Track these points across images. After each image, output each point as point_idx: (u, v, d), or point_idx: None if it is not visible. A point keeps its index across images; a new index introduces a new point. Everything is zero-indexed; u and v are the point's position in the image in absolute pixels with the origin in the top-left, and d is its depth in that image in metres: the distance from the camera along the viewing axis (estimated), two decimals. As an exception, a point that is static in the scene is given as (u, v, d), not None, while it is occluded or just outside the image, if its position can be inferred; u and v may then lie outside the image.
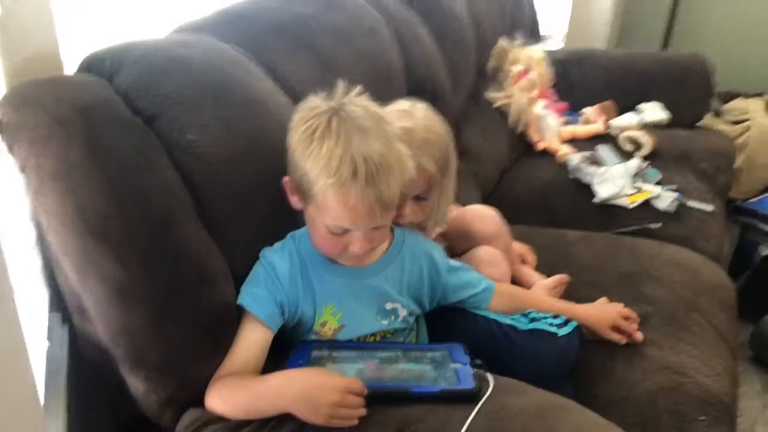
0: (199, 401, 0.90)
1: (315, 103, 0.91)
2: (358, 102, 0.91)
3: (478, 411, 0.82)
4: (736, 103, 2.81)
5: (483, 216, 1.28)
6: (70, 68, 0.99)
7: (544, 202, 1.80)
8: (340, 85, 0.92)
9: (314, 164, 0.86)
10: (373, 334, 1.02)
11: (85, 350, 0.96)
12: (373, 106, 0.92)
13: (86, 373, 1.04)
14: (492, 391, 0.86)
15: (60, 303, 1.02)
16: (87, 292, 0.85)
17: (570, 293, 1.28)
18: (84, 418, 1.14)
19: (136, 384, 0.88)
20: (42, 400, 0.91)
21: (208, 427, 0.86)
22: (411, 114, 1.07)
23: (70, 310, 0.95)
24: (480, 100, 1.97)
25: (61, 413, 0.95)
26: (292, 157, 0.90)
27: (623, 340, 1.13)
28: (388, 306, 1.02)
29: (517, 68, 2.03)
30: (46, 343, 0.97)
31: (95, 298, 0.84)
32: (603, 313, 1.15)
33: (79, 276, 0.84)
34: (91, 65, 0.95)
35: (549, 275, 1.32)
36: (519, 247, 1.40)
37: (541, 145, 2.03)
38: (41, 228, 0.88)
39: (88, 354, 0.96)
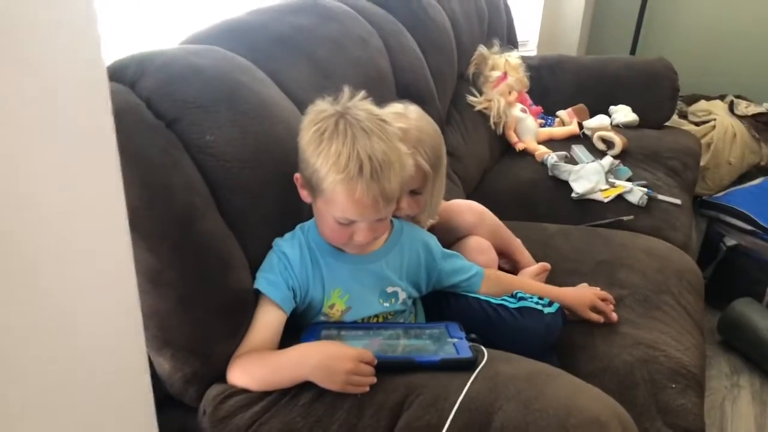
0: (220, 378, 0.98)
1: (323, 107, 1.01)
2: (361, 106, 1.01)
3: (475, 377, 0.92)
4: (701, 105, 2.95)
5: (462, 209, 1.37)
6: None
7: (525, 198, 1.91)
8: (346, 91, 1.02)
9: (324, 162, 0.95)
10: (376, 316, 1.12)
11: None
12: (375, 110, 1.02)
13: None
14: (487, 360, 0.96)
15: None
16: (119, 279, 0.93)
17: (551, 280, 1.38)
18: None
19: (162, 363, 0.97)
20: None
21: (233, 398, 0.94)
22: (405, 115, 1.16)
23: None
24: (461, 104, 2.07)
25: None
26: (303, 155, 1.00)
27: (601, 320, 1.24)
28: (389, 289, 1.12)
29: (495, 74, 2.14)
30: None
31: (127, 285, 0.92)
32: (582, 295, 1.25)
33: (112, 265, 0.92)
34: (115, 72, 1.03)
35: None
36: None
37: (520, 146, 2.14)
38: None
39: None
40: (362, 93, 1.04)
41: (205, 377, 0.98)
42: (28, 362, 0.49)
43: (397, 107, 1.18)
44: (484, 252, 1.28)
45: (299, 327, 1.08)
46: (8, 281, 0.45)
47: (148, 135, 0.94)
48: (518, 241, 1.44)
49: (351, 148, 0.95)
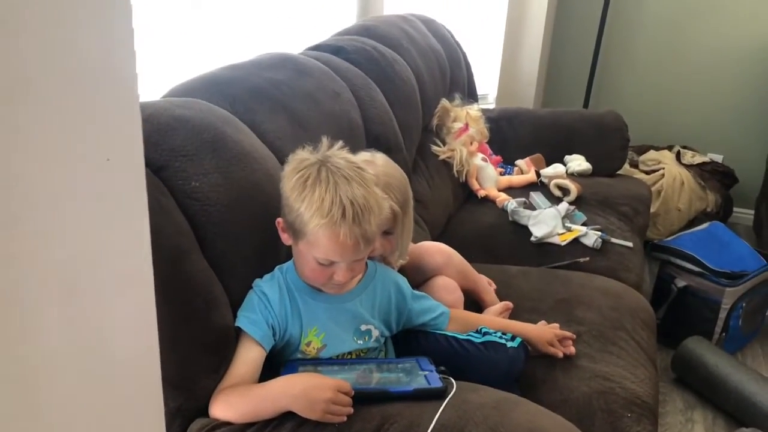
0: (203, 412, 1.03)
1: (304, 155, 1.09)
2: (339, 155, 1.09)
3: (446, 405, 0.99)
4: (650, 155, 3.11)
5: (429, 250, 1.46)
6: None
7: (487, 242, 2.00)
8: (324, 141, 1.11)
9: (308, 207, 1.03)
10: (350, 353, 1.18)
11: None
12: (352, 157, 1.11)
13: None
14: (456, 390, 1.04)
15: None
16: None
17: (513, 318, 1.46)
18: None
19: (147, 399, 1.01)
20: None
21: (216, 431, 0.99)
22: (373, 162, 1.25)
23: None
24: (426, 153, 2.17)
25: None
26: (287, 201, 1.07)
27: (559, 354, 1.32)
28: (363, 327, 1.18)
29: (457, 125, 2.26)
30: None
31: (115, 323, 0.97)
32: (542, 332, 1.34)
33: (101, 304, 0.97)
34: (104, 124, 1.10)
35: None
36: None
37: (482, 193, 2.25)
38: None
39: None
40: (340, 143, 1.13)
41: (189, 411, 1.03)
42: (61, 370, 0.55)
43: (365, 155, 1.26)
44: (451, 291, 1.36)
45: (276, 363, 1.14)
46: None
47: (138, 181, 1.01)
48: (484, 280, 1.52)
49: (334, 194, 1.02)
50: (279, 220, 1.12)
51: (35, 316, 0.51)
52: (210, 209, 1.09)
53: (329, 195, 1.02)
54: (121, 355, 0.62)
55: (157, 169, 1.07)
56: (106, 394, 0.62)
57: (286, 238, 1.12)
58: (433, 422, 0.94)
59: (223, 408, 1.01)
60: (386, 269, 1.25)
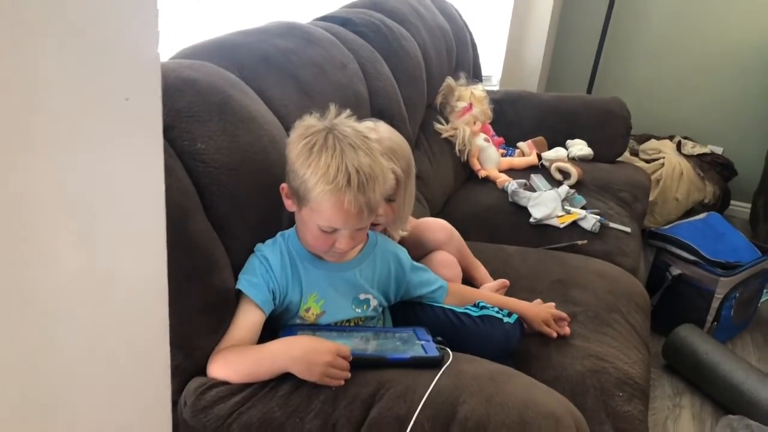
0: (201, 371, 1.04)
1: (311, 122, 1.09)
2: (347, 123, 1.10)
3: (442, 374, 1.00)
4: (651, 144, 3.12)
5: (432, 227, 1.47)
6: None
7: (486, 222, 2.01)
8: (332, 108, 1.11)
9: (313, 173, 1.03)
10: (348, 321, 1.19)
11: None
12: (358, 126, 1.11)
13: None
14: (452, 360, 1.05)
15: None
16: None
17: (509, 296, 1.48)
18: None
19: (147, 356, 1.02)
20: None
21: (213, 390, 1.00)
22: (376, 129, 1.25)
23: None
24: (429, 131, 2.17)
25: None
26: (292, 167, 1.07)
27: (553, 334, 1.33)
28: (362, 296, 1.19)
29: (461, 104, 2.25)
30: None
31: (118, 279, 0.98)
32: (538, 310, 1.35)
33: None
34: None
35: (492, 282, 1.52)
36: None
37: (482, 173, 2.25)
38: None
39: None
40: (347, 111, 1.13)
41: (187, 371, 1.03)
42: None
43: (368, 124, 1.26)
44: (451, 267, 1.37)
45: (275, 328, 1.15)
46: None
47: (144, 139, 1.01)
48: (476, 260, 1.53)
49: (340, 161, 1.02)
50: (283, 185, 1.12)
51: (51, 243, 0.51)
52: (215, 171, 1.09)
53: (335, 162, 1.02)
54: (133, 288, 0.63)
55: (163, 129, 1.06)
56: (117, 326, 0.62)
57: (289, 204, 1.12)
58: (429, 389, 0.96)
59: (221, 367, 1.02)
60: (387, 240, 1.26)
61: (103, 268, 0.58)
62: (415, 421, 0.92)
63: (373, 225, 1.26)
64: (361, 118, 1.40)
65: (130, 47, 0.53)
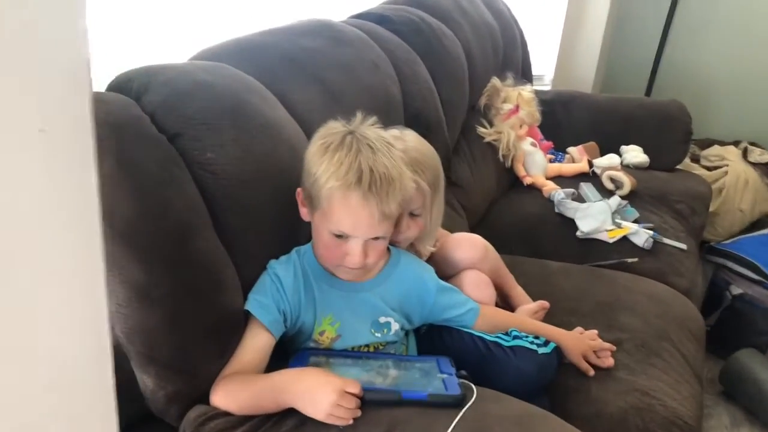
0: (204, 398, 0.97)
1: (334, 125, 1.02)
2: (371, 129, 1.02)
3: (462, 416, 0.90)
4: (714, 150, 2.93)
5: (462, 244, 1.34)
6: (98, 87, 1.07)
7: (529, 234, 1.89)
8: (359, 115, 1.03)
9: (325, 170, 0.96)
10: (367, 346, 1.10)
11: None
12: (383, 133, 1.03)
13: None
14: (476, 399, 0.94)
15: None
16: (108, 292, 0.92)
17: (549, 319, 1.36)
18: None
19: (145, 380, 0.95)
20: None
21: (213, 421, 0.92)
22: (402, 138, 1.16)
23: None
24: (470, 135, 2.06)
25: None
26: (307, 166, 1.00)
27: (590, 372, 1.21)
28: (382, 320, 1.10)
29: (507, 106, 2.13)
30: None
31: (116, 299, 0.91)
32: (578, 342, 1.23)
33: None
34: (120, 85, 1.03)
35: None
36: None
37: (528, 180, 2.13)
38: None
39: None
40: (374, 118, 1.05)
41: (188, 397, 0.97)
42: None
43: (393, 132, 1.17)
44: (482, 288, 1.26)
45: (288, 352, 1.07)
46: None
47: (148, 148, 0.94)
48: (513, 279, 1.42)
49: (353, 159, 0.95)
50: (299, 190, 1.05)
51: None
52: (225, 183, 1.01)
53: (348, 159, 0.95)
54: (57, 359, 0.54)
55: (171, 137, 1.00)
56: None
57: (304, 213, 1.05)
58: (446, 434, 0.86)
59: (222, 397, 0.95)
60: (411, 259, 1.16)
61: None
62: (427, 472, 0.82)
63: (395, 242, 1.16)
64: (393, 121, 1.32)
65: (47, 65, 0.44)
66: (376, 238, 1.01)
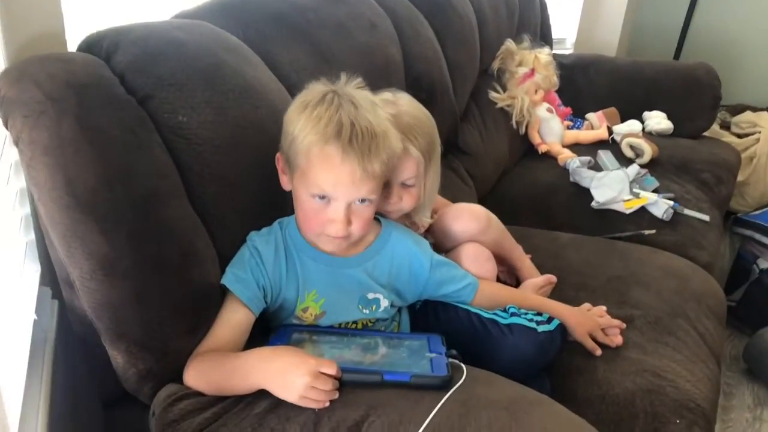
0: (178, 377, 0.92)
1: (316, 85, 0.95)
2: (357, 89, 0.95)
3: (447, 399, 0.83)
4: (746, 116, 2.80)
5: (462, 215, 1.24)
6: (73, 48, 1.01)
7: (541, 204, 1.81)
8: (343, 76, 0.97)
9: (303, 126, 0.90)
10: (355, 322, 1.04)
11: (73, 324, 0.98)
12: (368, 94, 0.97)
13: (73, 348, 1.06)
14: (464, 380, 0.87)
15: (51, 278, 1.04)
16: (72, 265, 0.86)
17: (556, 294, 1.29)
18: (70, 393, 1.17)
19: (116, 357, 0.90)
20: (24, 374, 0.93)
21: (183, 401, 0.87)
22: (394, 102, 1.08)
23: (60, 284, 0.97)
24: (482, 100, 1.97)
25: (43, 386, 0.97)
26: (285, 127, 0.94)
27: (597, 351, 1.13)
28: (370, 296, 1.03)
29: (522, 70, 2.03)
30: (33, 316, 0.99)
31: (80, 271, 0.85)
32: (584, 319, 1.15)
33: (66, 249, 0.86)
34: (90, 45, 0.97)
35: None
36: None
37: (543, 148, 2.03)
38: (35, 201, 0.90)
39: (76, 328, 0.98)
40: (359, 79, 0.98)
41: (160, 375, 0.91)
42: None
43: (385, 94, 1.09)
44: (482, 262, 1.18)
45: (271, 329, 1.01)
46: None
47: (112, 110, 0.88)
48: (521, 251, 1.34)
49: (333, 113, 0.89)
50: (278, 155, 0.98)
51: None
52: (199, 148, 0.95)
53: (328, 113, 0.89)
54: None
55: (141, 99, 0.93)
56: None
57: (285, 181, 0.98)
58: (427, 420, 0.79)
59: (194, 376, 0.90)
60: (403, 233, 1.08)
61: None
62: (405, 460, 0.76)
63: (387, 213, 1.09)
64: (392, 85, 1.25)
65: None
66: (362, 201, 0.94)
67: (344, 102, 0.90)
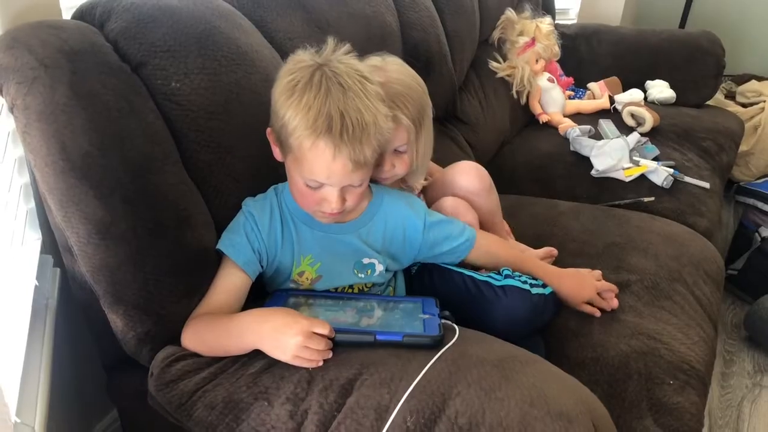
0: (175, 339, 0.93)
1: (302, 57, 0.93)
2: (344, 60, 0.93)
3: (438, 357, 0.84)
4: (751, 85, 2.76)
5: (470, 171, 1.23)
6: (68, 16, 1.02)
7: (541, 172, 1.80)
8: (330, 42, 0.94)
9: (293, 115, 0.88)
10: (351, 287, 1.05)
11: (74, 291, 1.00)
12: (357, 65, 0.94)
13: (74, 314, 1.08)
14: (456, 340, 0.88)
15: (53, 247, 1.06)
16: (70, 230, 0.88)
17: (554, 261, 1.29)
18: (71, 358, 1.19)
19: (115, 320, 0.92)
20: (25, 340, 0.95)
21: (180, 362, 0.89)
22: (382, 69, 1.06)
23: (60, 251, 0.98)
24: (482, 70, 1.95)
25: (44, 351, 0.99)
26: (275, 106, 0.92)
27: (596, 313, 1.14)
28: (365, 261, 1.04)
29: (523, 39, 2.02)
30: (34, 283, 1.01)
31: (77, 236, 0.87)
32: (580, 287, 1.14)
33: (63, 214, 0.87)
34: (83, 13, 0.97)
35: (536, 245, 1.32)
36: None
37: (544, 118, 2.03)
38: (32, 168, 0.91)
39: (77, 294, 0.99)
40: (347, 46, 0.96)
41: (159, 338, 0.93)
42: None
43: (374, 60, 1.08)
44: (462, 212, 1.15)
45: (268, 293, 1.03)
46: None
47: (105, 77, 0.89)
48: (507, 227, 1.34)
49: (322, 102, 0.87)
50: (269, 129, 0.97)
51: None
52: (192, 114, 0.96)
53: (317, 103, 0.86)
54: None
55: (135, 66, 0.94)
56: None
57: (277, 153, 0.98)
58: (419, 377, 0.80)
59: (190, 338, 0.91)
60: (396, 197, 1.08)
61: None
62: (396, 415, 0.77)
63: (381, 180, 1.09)
64: (390, 53, 1.23)
65: None
66: (358, 185, 0.95)
67: (332, 86, 0.88)
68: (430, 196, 1.23)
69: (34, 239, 1.08)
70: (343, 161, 0.88)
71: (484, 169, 1.26)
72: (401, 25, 1.48)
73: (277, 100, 0.92)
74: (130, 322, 0.91)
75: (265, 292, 1.05)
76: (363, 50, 1.00)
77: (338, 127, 0.86)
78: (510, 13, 2.06)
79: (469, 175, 1.22)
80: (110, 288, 0.89)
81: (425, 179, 1.19)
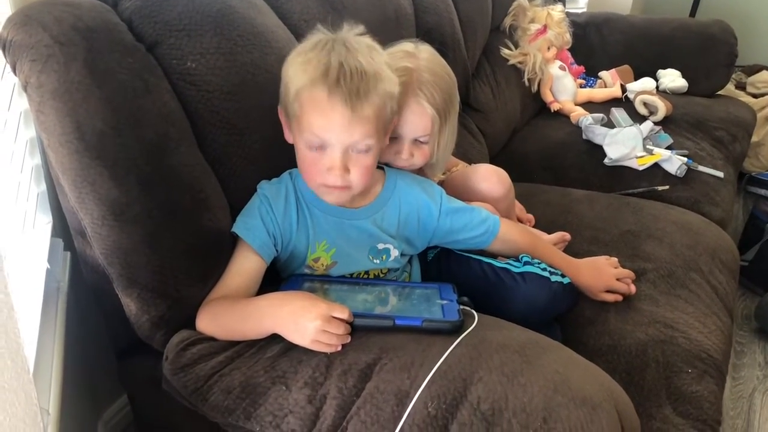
0: (190, 323, 0.92)
1: (318, 34, 0.93)
2: (357, 37, 0.92)
3: (458, 343, 0.83)
4: (762, 76, 2.75)
5: (491, 177, 1.21)
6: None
7: (554, 161, 1.79)
8: (345, 25, 0.94)
9: (294, 72, 0.88)
10: (366, 272, 1.03)
11: (86, 274, 0.98)
12: (370, 42, 0.93)
13: (86, 299, 1.07)
14: (476, 325, 0.87)
15: (63, 230, 1.04)
16: (83, 212, 0.86)
17: (569, 248, 1.28)
18: (83, 342, 1.18)
19: (129, 304, 0.90)
20: (38, 323, 0.94)
21: (196, 346, 0.87)
22: (414, 55, 1.06)
23: (72, 234, 0.97)
24: (494, 57, 1.94)
25: (57, 335, 0.98)
26: (282, 78, 0.92)
27: (618, 299, 1.13)
28: (380, 246, 1.03)
29: (534, 26, 2.00)
30: (45, 266, 1.00)
31: (91, 217, 0.85)
32: (598, 277, 1.13)
33: (77, 195, 0.85)
34: (97, -9, 0.95)
35: (550, 231, 1.31)
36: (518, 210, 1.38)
37: (555, 106, 2.01)
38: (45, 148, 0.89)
39: (89, 278, 0.98)
40: (361, 28, 0.95)
41: (173, 322, 0.92)
42: None
43: (407, 46, 1.07)
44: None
45: (282, 279, 1.01)
46: None
47: (120, 55, 0.87)
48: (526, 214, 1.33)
49: (324, 56, 0.87)
50: (279, 108, 0.96)
51: None
52: (208, 95, 0.94)
53: (317, 57, 0.87)
54: None
55: (150, 45, 0.92)
56: None
57: (288, 134, 0.96)
58: (439, 362, 0.79)
59: (206, 321, 0.90)
60: (410, 181, 1.06)
61: None
62: (416, 400, 0.76)
63: (398, 167, 1.07)
64: (402, 38, 1.22)
65: None
66: (360, 150, 0.91)
67: (337, 45, 0.88)
68: (448, 191, 1.21)
69: (44, 223, 1.06)
70: (340, 108, 0.86)
71: (503, 171, 1.24)
72: (415, 10, 1.46)
73: (284, 68, 0.92)
74: (144, 305, 0.90)
75: (279, 278, 1.03)
76: (377, 33, 0.98)
77: (335, 74, 0.85)
78: (522, 0, 2.03)
79: (490, 182, 1.20)
80: (124, 270, 0.88)
81: (443, 173, 1.16)
